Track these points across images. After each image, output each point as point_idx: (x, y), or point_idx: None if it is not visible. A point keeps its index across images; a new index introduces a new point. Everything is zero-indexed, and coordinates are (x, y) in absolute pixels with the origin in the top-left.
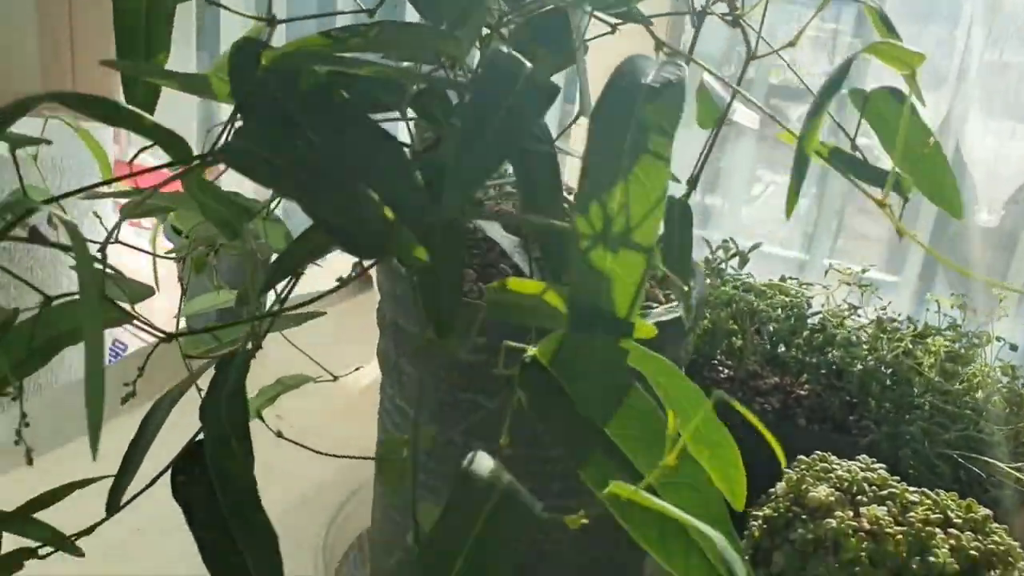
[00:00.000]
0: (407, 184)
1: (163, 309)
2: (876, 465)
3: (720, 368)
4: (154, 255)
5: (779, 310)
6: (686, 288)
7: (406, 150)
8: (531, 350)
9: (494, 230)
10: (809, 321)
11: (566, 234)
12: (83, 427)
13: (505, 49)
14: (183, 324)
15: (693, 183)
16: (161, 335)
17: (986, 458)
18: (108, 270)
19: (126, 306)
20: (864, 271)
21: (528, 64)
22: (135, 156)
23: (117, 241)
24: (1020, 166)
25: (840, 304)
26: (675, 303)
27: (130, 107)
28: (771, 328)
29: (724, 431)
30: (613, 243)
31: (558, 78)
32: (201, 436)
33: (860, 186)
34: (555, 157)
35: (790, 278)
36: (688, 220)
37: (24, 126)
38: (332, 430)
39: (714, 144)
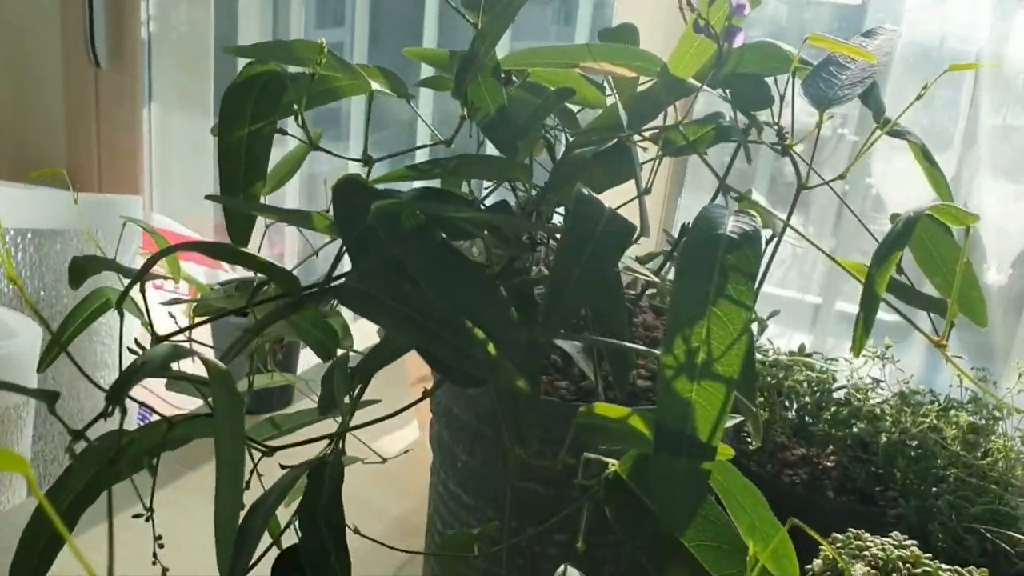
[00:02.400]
0: (506, 320)
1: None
2: (908, 542)
3: (749, 440)
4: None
5: (805, 384)
6: (754, 409)
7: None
8: (612, 465)
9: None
10: (834, 395)
11: (627, 352)
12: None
13: (585, 191)
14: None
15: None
16: (264, 449)
17: (1012, 532)
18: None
19: None
20: (888, 346)
21: (607, 207)
22: (247, 305)
23: (191, 339)
24: None
25: (863, 377)
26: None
27: (246, 250)
28: (798, 401)
29: (780, 528)
30: (697, 375)
31: None
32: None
33: (910, 319)
34: (619, 277)
35: (813, 353)
36: (752, 342)
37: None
38: (374, 496)
39: (769, 268)
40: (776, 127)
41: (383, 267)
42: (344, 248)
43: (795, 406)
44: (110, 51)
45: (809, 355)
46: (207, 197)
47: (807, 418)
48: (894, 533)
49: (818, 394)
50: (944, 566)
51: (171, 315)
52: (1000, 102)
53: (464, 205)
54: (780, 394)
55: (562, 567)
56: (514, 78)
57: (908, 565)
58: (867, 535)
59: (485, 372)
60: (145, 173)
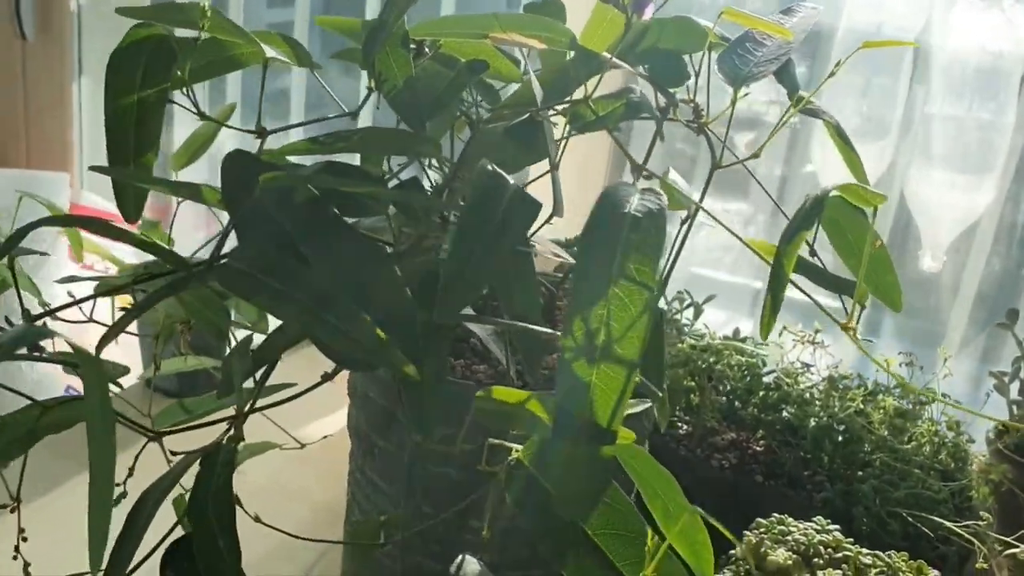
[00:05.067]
0: (400, 303)
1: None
2: (831, 527)
3: (679, 424)
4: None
5: (735, 368)
6: (660, 394)
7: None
8: (515, 450)
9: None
10: (764, 379)
11: (538, 335)
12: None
13: (490, 167)
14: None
15: (662, 287)
16: (150, 433)
17: (933, 516)
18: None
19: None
20: (817, 331)
21: (511, 181)
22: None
23: (92, 320)
24: (961, 214)
25: (793, 362)
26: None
27: (124, 227)
28: (727, 386)
29: (695, 514)
30: (597, 358)
31: None
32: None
33: (821, 305)
34: (531, 258)
35: (746, 338)
36: (659, 325)
37: None
38: (295, 481)
39: (684, 244)
40: (692, 104)
41: (271, 244)
42: (232, 224)
43: (727, 390)
44: (38, 24)
45: (743, 340)
46: (91, 168)
47: (737, 402)
48: (817, 518)
49: (748, 379)
50: (864, 550)
51: (69, 294)
52: (937, 91)
53: (366, 180)
54: (711, 379)
55: (460, 556)
56: (427, 49)
57: (829, 550)
58: (791, 520)
59: (373, 358)
60: (75, 150)
